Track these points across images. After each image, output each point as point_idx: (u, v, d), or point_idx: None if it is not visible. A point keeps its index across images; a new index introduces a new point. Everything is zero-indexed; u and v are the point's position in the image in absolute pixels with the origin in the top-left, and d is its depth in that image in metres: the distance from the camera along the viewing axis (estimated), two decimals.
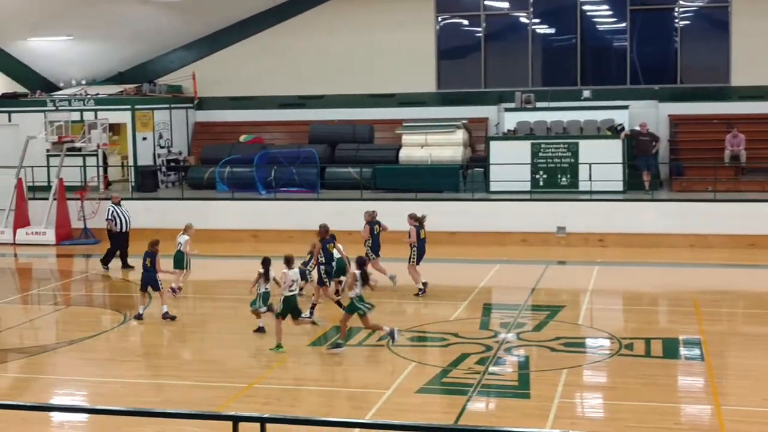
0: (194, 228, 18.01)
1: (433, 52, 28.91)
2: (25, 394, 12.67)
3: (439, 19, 29.01)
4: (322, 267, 16.01)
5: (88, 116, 27.08)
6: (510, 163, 24.70)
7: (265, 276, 14.61)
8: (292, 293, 14.12)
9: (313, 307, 15.79)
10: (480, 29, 28.92)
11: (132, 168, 27.70)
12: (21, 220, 25.21)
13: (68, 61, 29.48)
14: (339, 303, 15.82)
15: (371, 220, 18.43)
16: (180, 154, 29.42)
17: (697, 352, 13.82)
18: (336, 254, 16.46)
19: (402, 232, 18.73)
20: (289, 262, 14.23)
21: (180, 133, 29.92)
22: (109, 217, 21.13)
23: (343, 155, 27.32)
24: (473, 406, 11.56)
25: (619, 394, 11.97)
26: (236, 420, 5.64)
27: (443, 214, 23.99)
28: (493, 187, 24.99)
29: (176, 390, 12.45)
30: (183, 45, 30.59)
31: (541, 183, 24.85)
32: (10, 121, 27.87)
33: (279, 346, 13.90)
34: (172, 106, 29.59)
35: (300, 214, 24.66)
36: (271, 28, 29.77)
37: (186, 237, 17.64)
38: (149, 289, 16.29)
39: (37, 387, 13.24)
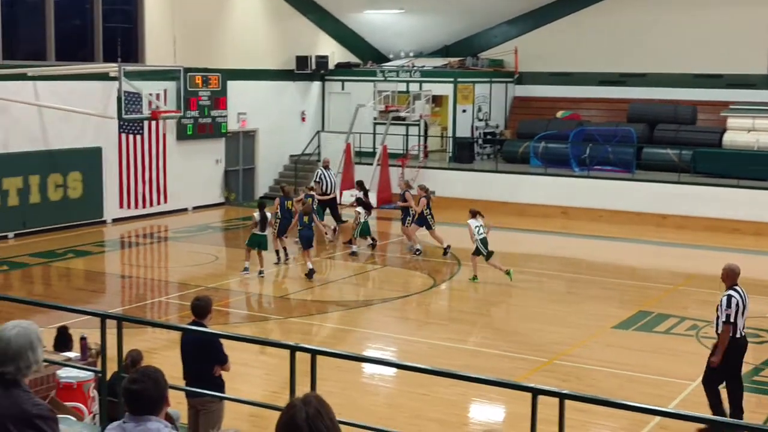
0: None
1: (767, 31, 27.07)
2: (341, 343, 13.67)
3: None
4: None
5: (414, 87, 28.31)
6: None
7: (367, 209, 18.95)
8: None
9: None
10: None
11: (450, 139, 28.61)
12: (347, 182, 26.89)
13: (398, 34, 30.89)
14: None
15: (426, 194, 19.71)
16: (497, 127, 29.93)
17: None
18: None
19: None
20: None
21: (498, 107, 30.42)
22: (316, 180, 22.31)
23: (662, 136, 26.48)
24: None
25: None
26: (536, 392, 5.78)
27: None
28: None
29: (479, 356, 12.89)
30: (508, 20, 30.94)
31: None
32: (343, 89, 29.79)
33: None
34: (493, 80, 30.12)
35: (612, 194, 24.31)
36: (596, 4, 29.28)
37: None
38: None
39: (352, 338, 14.26)
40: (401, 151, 27.43)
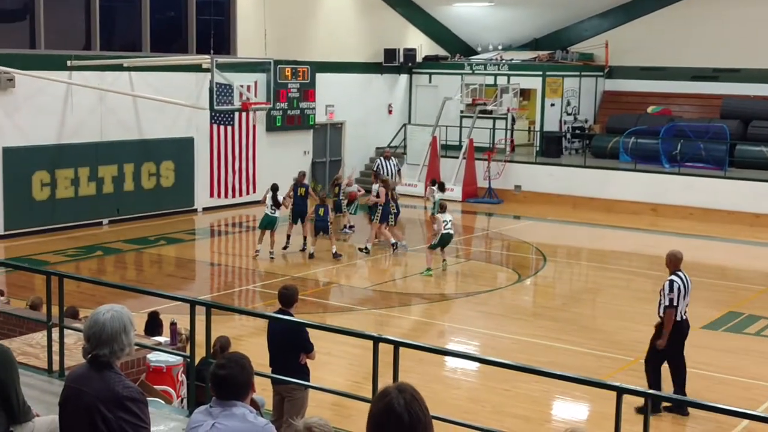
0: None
1: None
2: (423, 336, 13.72)
3: None
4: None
5: (501, 81, 28.14)
6: None
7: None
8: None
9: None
10: None
11: (538, 133, 28.35)
12: (432, 175, 26.87)
13: (487, 27, 30.72)
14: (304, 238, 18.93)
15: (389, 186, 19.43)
16: (586, 121, 29.55)
17: None
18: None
19: None
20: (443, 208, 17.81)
21: (587, 101, 30.02)
22: (375, 169, 22.26)
23: (756, 133, 25.77)
24: None
25: None
26: (621, 391, 5.72)
27: None
28: None
29: (563, 353, 12.77)
30: (599, 13, 30.48)
31: None
32: (430, 82, 29.78)
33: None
34: (582, 73, 29.72)
35: (704, 192, 23.78)
36: None
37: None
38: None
39: (434, 331, 14.29)
40: (487, 145, 27.29)
